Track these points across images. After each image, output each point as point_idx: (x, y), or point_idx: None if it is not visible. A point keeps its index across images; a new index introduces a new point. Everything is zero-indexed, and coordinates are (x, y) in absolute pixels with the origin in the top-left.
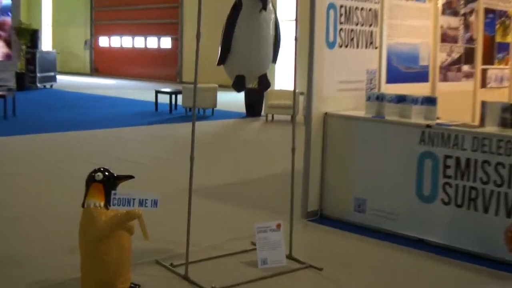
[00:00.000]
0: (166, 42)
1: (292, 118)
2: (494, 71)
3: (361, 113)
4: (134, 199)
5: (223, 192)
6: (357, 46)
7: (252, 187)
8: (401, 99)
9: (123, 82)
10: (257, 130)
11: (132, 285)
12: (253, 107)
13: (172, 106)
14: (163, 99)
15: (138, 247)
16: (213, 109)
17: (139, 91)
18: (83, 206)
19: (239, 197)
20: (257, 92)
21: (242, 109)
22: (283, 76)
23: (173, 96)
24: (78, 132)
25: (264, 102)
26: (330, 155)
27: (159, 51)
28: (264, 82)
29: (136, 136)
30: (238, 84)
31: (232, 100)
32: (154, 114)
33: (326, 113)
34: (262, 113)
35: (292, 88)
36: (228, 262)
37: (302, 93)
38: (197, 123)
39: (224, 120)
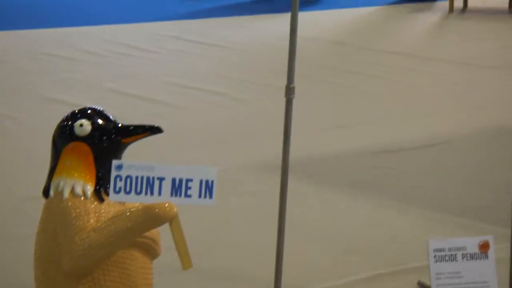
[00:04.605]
0: None
1: None
2: None
3: None
4: (161, 180)
5: (353, 169)
6: None
7: (417, 162)
8: None
9: None
10: (429, 35)
11: None
12: None
13: None
14: None
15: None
16: None
17: None
18: (45, 193)
19: (389, 180)
20: None
21: None
22: None
23: None
24: (43, 30)
25: None
26: None
27: None
28: None
29: (159, 43)
30: None
31: None
32: None
33: None
34: None
35: None
36: None
37: None
38: (299, 15)
39: (353, 9)
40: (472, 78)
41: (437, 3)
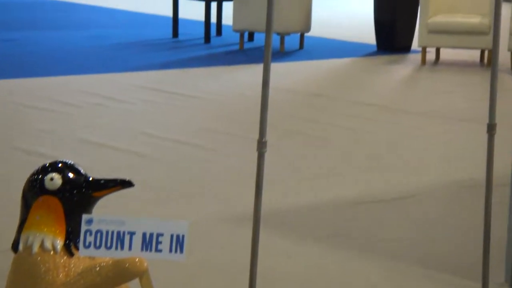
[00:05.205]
0: None
1: (487, 56)
2: None
3: None
4: (131, 235)
5: (325, 221)
6: None
7: (389, 214)
8: None
9: None
10: (401, 87)
11: None
12: (394, 32)
13: (211, 29)
14: (192, 13)
15: None
16: (302, 36)
17: None
18: (14, 247)
19: (361, 234)
20: None
21: (369, 36)
22: None
23: (213, 7)
24: (14, 81)
25: (418, 21)
26: None
27: None
28: None
29: (134, 93)
30: None
31: (346, 17)
32: (173, 46)
33: None
34: (415, 45)
35: None
36: None
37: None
38: (273, 66)
39: (327, 60)
40: (444, 131)
41: (410, 56)
